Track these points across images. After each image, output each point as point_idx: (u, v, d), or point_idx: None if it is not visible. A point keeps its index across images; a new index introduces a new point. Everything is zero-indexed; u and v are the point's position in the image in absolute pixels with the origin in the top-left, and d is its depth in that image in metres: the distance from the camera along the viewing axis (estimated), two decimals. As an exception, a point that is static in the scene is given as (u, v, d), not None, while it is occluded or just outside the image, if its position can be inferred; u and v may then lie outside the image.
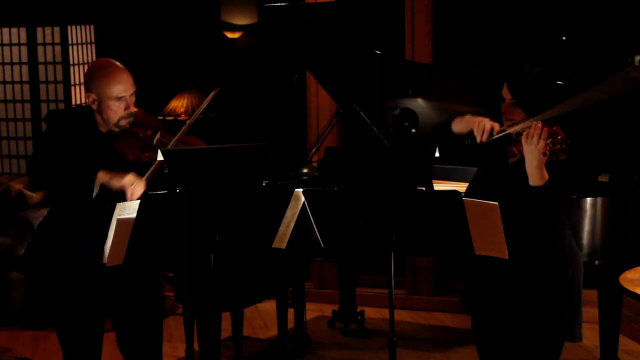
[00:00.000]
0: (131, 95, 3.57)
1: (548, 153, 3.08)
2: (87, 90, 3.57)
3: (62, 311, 3.59)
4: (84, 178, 3.45)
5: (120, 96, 3.53)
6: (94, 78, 3.56)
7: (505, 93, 3.33)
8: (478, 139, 3.34)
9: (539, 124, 3.10)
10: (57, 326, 3.66)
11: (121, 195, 3.42)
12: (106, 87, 3.53)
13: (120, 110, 3.55)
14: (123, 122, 3.57)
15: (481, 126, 3.34)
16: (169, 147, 3.51)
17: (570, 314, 3.32)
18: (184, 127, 3.57)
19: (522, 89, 3.29)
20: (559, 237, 3.34)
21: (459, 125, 3.48)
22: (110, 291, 3.58)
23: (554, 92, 3.31)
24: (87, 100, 3.59)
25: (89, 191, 3.45)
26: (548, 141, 3.08)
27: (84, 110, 3.62)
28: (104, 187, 3.46)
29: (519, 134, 3.25)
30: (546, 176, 3.13)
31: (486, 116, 3.39)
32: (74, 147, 3.50)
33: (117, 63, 3.61)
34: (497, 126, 3.35)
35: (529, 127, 3.16)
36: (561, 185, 3.20)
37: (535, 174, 3.14)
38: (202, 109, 3.58)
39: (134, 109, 3.59)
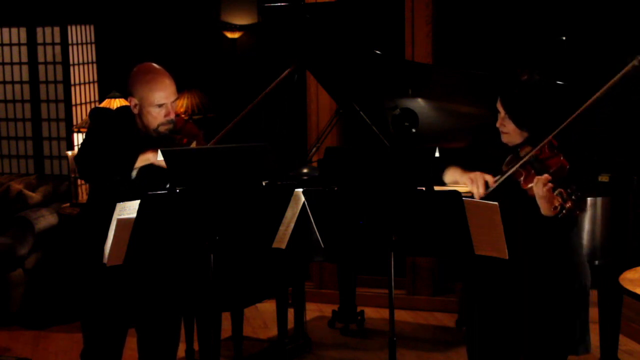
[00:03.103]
0: (173, 102, 3.58)
1: (559, 207, 3.05)
2: (129, 94, 3.59)
3: (92, 303, 3.63)
4: (126, 158, 3.46)
5: (161, 103, 3.55)
6: (137, 83, 3.57)
7: (499, 106, 3.32)
8: (476, 195, 3.32)
9: (550, 186, 3.08)
10: (83, 319, 3.71)
11: (159, 175, 3.46)
12: (148, 93, 3.54)
13: (160, 116, 3.57)
14: (162, 129, 3.58)
15: (475, 181, 3.34)
16: None
17: (578, 326, 3.32)
18: (217, 137, 3.57)
19: (514, 101, 3.27)
20: (569, 247, 3.33)
21: (450, 177, 3.50)
22: (134, 291, 3.60)
23: (549, 105, 3.28)
24: (129, 104, 3.61)
25: (128, 172, 3.47)
26: (556, 193, 3.07)
27: (127, 111, 3.62)
28: (142, 170, 3.49)
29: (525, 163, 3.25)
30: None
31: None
32: (114, 145, 3.52)
33: (161, 69, 3.62)
34: (490, 178, 3.33)
35: (525, 168, 3.16)
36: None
37: (546, 208, 3.14)
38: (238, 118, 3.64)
39: (174, 117, 3.60)
